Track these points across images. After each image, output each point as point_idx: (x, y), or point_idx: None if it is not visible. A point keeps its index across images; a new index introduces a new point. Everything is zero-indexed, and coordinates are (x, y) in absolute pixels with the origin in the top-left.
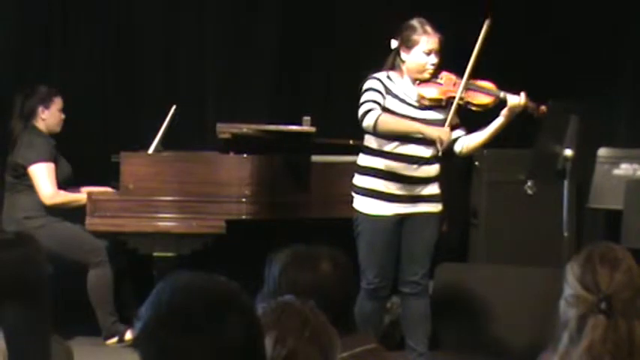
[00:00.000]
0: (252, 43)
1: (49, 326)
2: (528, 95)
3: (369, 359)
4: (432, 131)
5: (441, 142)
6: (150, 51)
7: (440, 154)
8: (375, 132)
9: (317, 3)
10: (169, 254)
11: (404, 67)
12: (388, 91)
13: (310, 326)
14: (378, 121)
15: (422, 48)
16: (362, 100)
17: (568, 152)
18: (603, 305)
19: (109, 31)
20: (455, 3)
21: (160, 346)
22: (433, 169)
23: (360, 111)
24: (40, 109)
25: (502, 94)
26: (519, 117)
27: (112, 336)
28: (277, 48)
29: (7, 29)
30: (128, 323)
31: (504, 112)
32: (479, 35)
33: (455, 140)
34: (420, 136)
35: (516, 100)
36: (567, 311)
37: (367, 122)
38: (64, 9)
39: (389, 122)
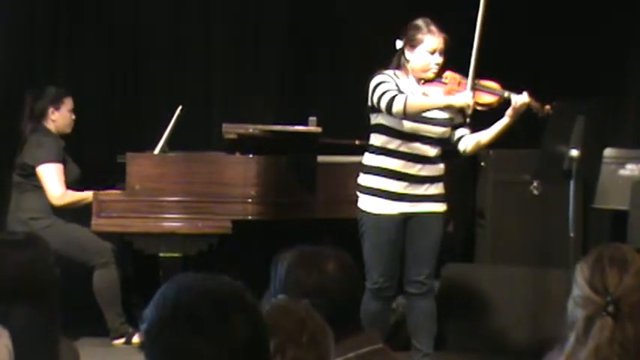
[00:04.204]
0: (258, 43)
1: (58, 327)
2: (533, 95)
3: (374, 359)
4: (457, 100)
5: (469, 107)
6: (156, 51)
7: (468, 120)
8: (405, 115)
9: (323, 3)
10: (175, 254)
11: (408, 67)
12: (397, 87)
13: (308, 330)
14: (407, 104)
15: (426, 47)
16: (381, 91)
17: (574, 152)
18: (611, 307)
19: (115, 32)
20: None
21: (165, 347)
22: (438, 168)
23: (385, 99)
24: (51, 110)
25: (507, 93)
26: (525, 117)
27: (120, 337)
28: (283, 48)
29: (14, 30)
30: (136, 325)
31: (509, 112)
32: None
33: (459, 139)
34: (427, 134)
35: (521, 99)
36: (575, 312)
37: (397, 107)
38: (70, 9)
39: (418, 102)
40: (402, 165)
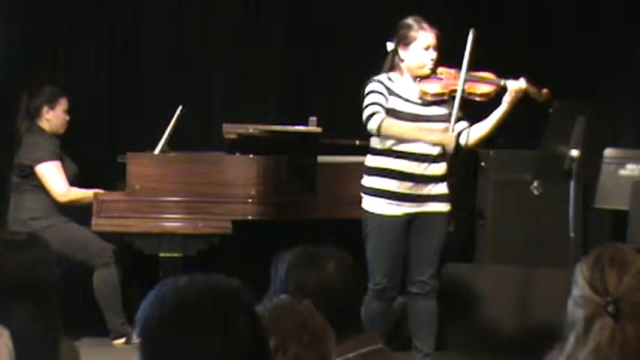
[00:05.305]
0: (258, 43)
1: (58, 327)
2: (530, 81)
3: (375, 359)
4: (433, 137)
5: (448, 147)
6: (156, 51)
7: (450, 153)
8: (379, 135)
9: (323, 3)
10: (175, 254)
11: (403, 66)
12: (390, 92)
13: (309, 329)
14: (382, 125)
15: (420, 44)
16: (365, 103)
17: (574, 152)
18: (611, 308)
19: (115, 31)
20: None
21: (163, 347)
22: (441, 168)
23: (365, 114)
24: (45, 109)
25: (503, 81)
26: (527, 113)
27: (121, 337)
28: (283, 48)
29: (14, 30)
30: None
31: (506, 98)
32: (465, 48)
33: (459, 133)
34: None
35: (517, 85)
36: (575, 312)
37: (371, 125)
38: (70, 9)
39: (392, 126)
40: (407, 165)
